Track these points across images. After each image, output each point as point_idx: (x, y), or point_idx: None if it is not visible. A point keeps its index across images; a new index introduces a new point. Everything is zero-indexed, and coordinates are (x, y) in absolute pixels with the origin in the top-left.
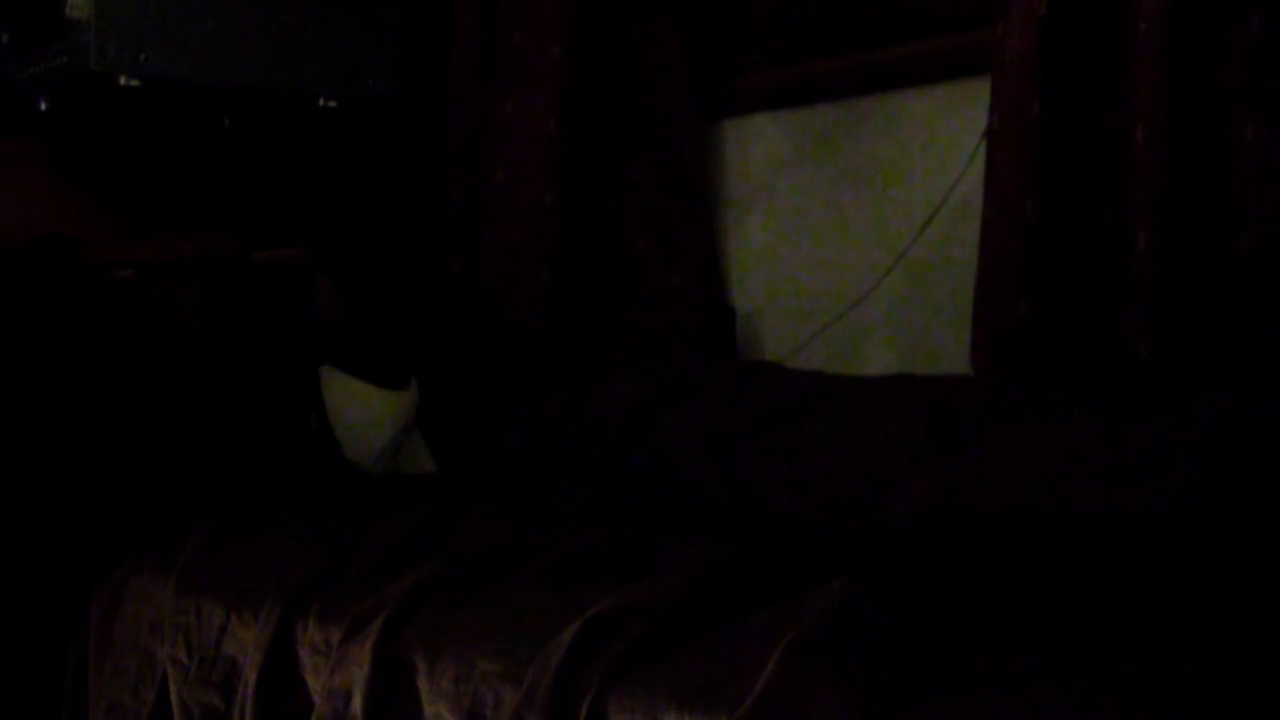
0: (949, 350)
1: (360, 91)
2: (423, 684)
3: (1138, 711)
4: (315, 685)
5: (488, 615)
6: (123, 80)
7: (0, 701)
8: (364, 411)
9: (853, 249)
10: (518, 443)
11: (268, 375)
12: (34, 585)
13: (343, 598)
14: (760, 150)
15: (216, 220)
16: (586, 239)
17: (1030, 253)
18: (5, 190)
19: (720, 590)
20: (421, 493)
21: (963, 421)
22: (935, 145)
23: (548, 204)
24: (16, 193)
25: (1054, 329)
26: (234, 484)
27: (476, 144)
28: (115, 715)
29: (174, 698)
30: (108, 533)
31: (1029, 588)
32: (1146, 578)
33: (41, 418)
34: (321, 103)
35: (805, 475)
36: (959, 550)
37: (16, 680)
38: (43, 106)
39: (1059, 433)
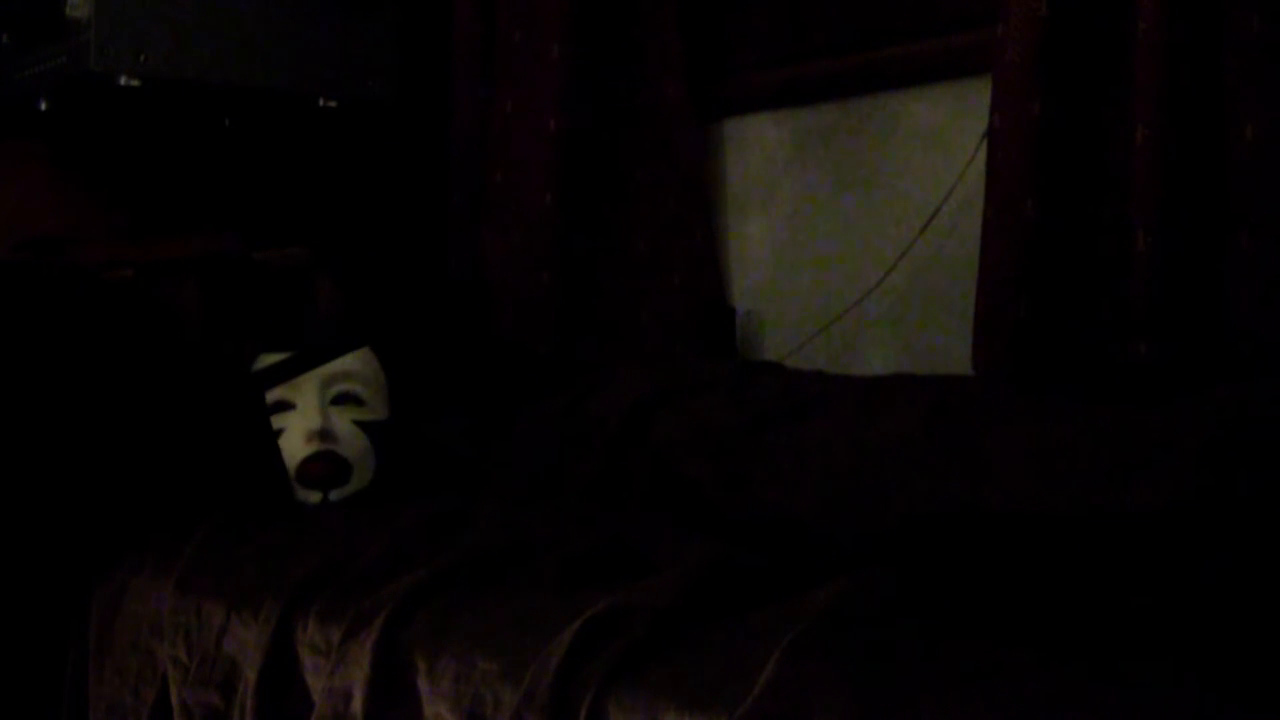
0: (949, 350)
1: (360, 91)
2: (423, 684)
3: (1137, 711)
4: (315, 685)
5: (488, 615)
6: (123, 80)
7: (0, 701)
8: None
9: (853, 249)
10: (517, 442)
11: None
12: (34, 585)
13: (343, 598)
14: (760, 150)
15: (216, 220)
16: (586, 239)
17: (1030, 252)
18: (5, 190)
19: (720, 590)
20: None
21: (963, 421)
22: (935, 145)
23: (547, 204)
24: (16, 193)
25: (1054, 329)
26: (236, 484)
27: (476, 144)
28: (115, 715)
29: (174, 697)
30: (108, 533)
31: (1029, 587)
32: (1147, 578)
33: (41, 419)
34: (321, 103)
35: (805, 475)
36: (959, 550)
37: (16, 680)
38: (43, 106)
39: (1059, 432)
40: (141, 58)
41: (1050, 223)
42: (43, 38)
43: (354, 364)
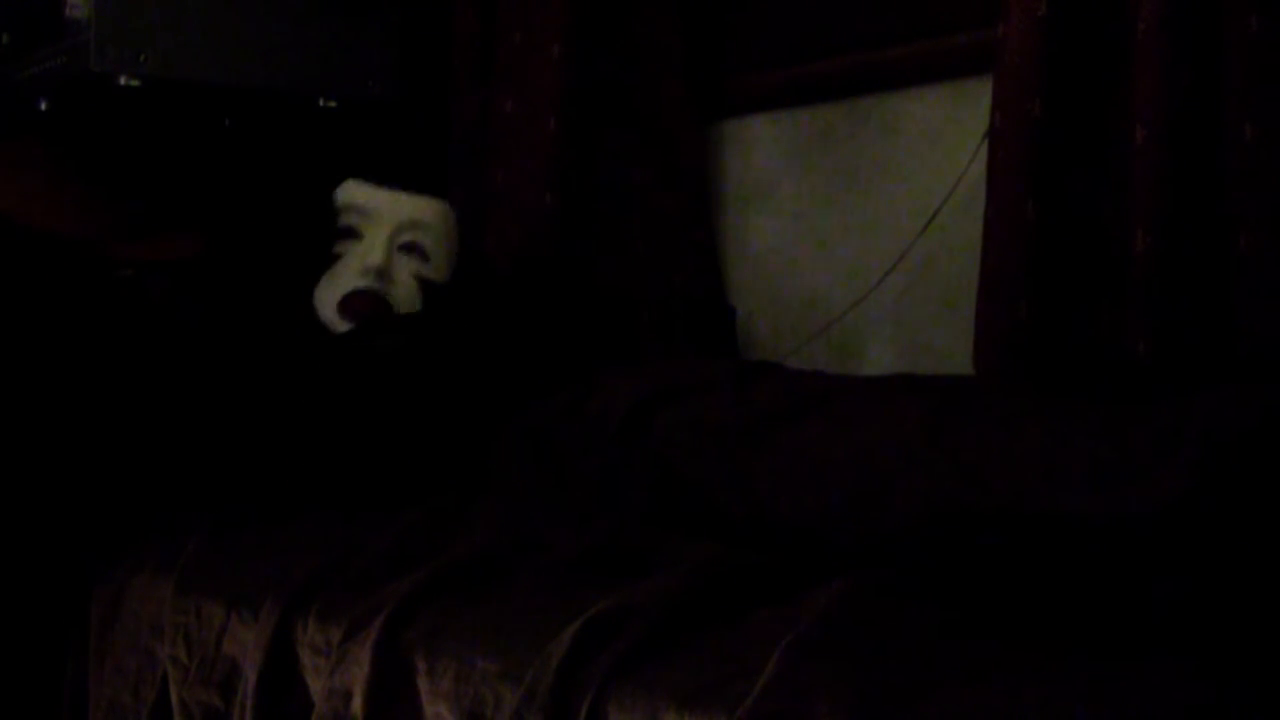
0: (949, 350)
1: (360, 91)
2: (423, 684)
3: (1137, 710)
4: (315, 685)
5: (488, 615)
6: (123, 80)
7: (0, 701)
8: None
9: (853, 249)
10: (517, 442)
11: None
12: (34, 585)
13: (343, 598)
14: (760, 150)
15: (217, 220)
16: (586, 239)
17: (1031, 253)
18: (5, 190)
19: (720, 590)
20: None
21: (963, 421)
22: (935, 145)
23: (547, 204)
24: (16, 193)
25: (1054, 329)
26: (239, 481)
27: (476, 144)
28: (115, 715)
29: (174, 698)
30: (108, 533)
31: (1029, 587)
32: (1147, 577)
33: (41, 419)
34: (321, 103)
35: (805, 475)
36: (959, 550)
37: (16, 680)
38: (43, 106)
39: (1059, 432)
40: (141, 58)
41: (1050, 223)
42: (43, 38)
43: (429, 216)
